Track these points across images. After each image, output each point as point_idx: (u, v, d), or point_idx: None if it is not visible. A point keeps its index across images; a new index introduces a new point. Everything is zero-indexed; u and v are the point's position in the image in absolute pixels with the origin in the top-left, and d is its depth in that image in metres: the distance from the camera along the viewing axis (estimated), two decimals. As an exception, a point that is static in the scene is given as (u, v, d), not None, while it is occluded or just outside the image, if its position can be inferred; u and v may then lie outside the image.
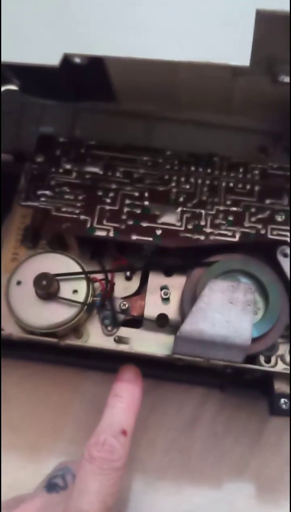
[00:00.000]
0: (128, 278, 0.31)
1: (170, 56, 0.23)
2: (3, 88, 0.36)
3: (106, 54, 0.23)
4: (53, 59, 0.23)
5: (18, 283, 0.29)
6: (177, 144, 0.33)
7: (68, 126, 0.36)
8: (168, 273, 0.31)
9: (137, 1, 0.23)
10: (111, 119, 0.36)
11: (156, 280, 0.30)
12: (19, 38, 0.24)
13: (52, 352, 0.30)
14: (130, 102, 0.35)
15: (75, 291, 0.29)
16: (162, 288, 0.30)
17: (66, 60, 0.25)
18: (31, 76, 0.34)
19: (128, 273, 0.31)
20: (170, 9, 0.22)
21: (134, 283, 0.31)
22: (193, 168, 0.31)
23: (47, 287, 0.28)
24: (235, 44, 0.22)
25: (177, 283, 0.30)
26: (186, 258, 0.30)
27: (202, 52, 0.22)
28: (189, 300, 0.28)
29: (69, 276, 0.29)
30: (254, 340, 0.27)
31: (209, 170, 0.31)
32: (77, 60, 0.28)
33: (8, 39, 0.24)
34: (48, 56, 0.23)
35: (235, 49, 0.22)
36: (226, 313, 0.26)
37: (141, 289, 0.31)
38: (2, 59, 0.23)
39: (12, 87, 0.36)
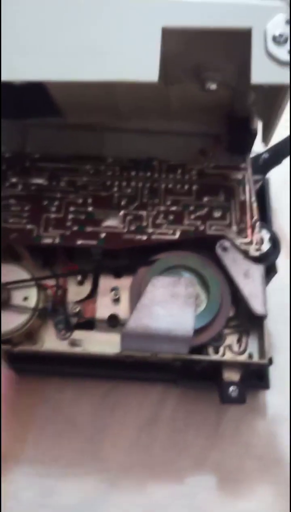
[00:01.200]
0: (80, 283, 0.32)
1: (84, 76, 0.24)
2: None
3: (19, 78, 0.24)
4: None
5: None
6: (126, 152, 0.34)
7: (19, 142, 0.37)
8: (118, 274, 0.32)
9: (49, 24, 0.24)
10: (61, 133, 0.37)
11: (106, 282, 0.31)
12: None
13: (12, 360, 0.31)
14: (76, 115, 0.36)
15: (25, 298, 0.30)
16: (112, 290, 0.31)
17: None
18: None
19: (80, 278, 0.32)
20: (83, 32, 0.23)
21: (87, 288, 0.32)
22: (133, 173, 0.32)
23: (-4, 296, 0.29)
24: (143, 61, 0.23)
25: (127, 284, 0.31)
26: (134, 259, 0.31)
27: (114, 71, 0.23)
28: (136, 298, 0.29)
29: (18, 283, 0.30)
30: (198, 331, 0.28)
31: (148, 174, 0.32)
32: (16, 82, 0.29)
33: None
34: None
35: (143, 66, 0.23)
36: (169, 307, 0.27)
37: (94, 293, 0.32)
38: None
39: None
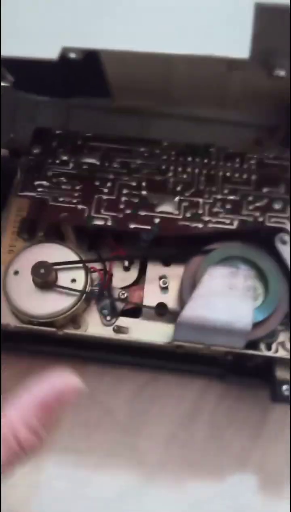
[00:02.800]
0: (126, 269, 0.31)
1: (169, 49, 0.23)
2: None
3: (105, 47, 0.23)
4: (51, 53, 0.23)
5: (16, 273, 0.28)
6: (173, 139, 0.33)
7: (63, 122, 0.36)
8: (166, 262, 0.30)
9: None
10: (106, 115, 0.36)
11: (154, 270, 0.30)
12: (15, 32, 0.24)
13: (51, 344, 0.30)
14: (125, 98, 0.35)
15: (73, 280, 0.28)
16: (160, 278, 0.30)
17: (61, 55, 0.25)
18: (24, 72, 0.34)
19: (126, 264, 0.31)
20: (169, 2, 0.22)
21: (133, 274, 0.31)
22: (189, 159, 0.31)
23: (45, 276, 0.27)
24: (234, 36, 0.22)
25: (175, 273, 0.30)
26: (184, 247, 0.30)
27: (201, 45, 0.22)
28: (188, 288, 0.28)
29: (67, 265, 0.28)
30: (255, 325, 0.27)
31: (205, 161, 0.31)
32: (73, 55, 0.28)
33: (5, 33, 0.24)
34: (46, 49, 0.23)
35: (234, 41, 0.22)
36: (226, 298, 0.26)
37: (140, 279, 0.31)
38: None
39: (5, 83, 0.36)
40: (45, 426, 0.18)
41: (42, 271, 0.27)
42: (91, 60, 0.30)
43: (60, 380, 0.19)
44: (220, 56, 0.21)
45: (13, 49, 0.24)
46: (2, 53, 0.23)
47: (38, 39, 0.24)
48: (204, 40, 0.22)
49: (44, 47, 0.24)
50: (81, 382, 0.19)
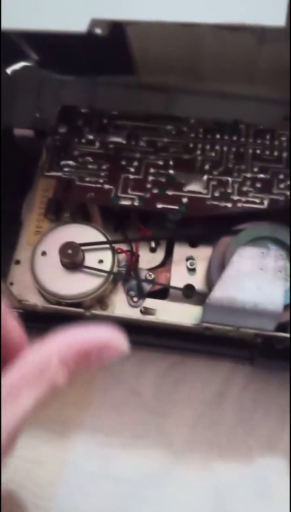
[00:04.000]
0: (153, 250, 0.30)
1: (200, 19, 0.22)
2: (20, 64, 0.36)
3: (133, 18, 0.23)
4: (80, 25, 0.23)
5: (43, 253, 0.28)
6: (201, 116, 0.33)
7: (88, 101, 0.36)
8: (193, 243, 0.30)
9: None
10: (132, 93, 0.35)
11: (181, 251, 0.30)
12: (41, 6, 0.23)
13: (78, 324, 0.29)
14: (151, 75, 0.34)
15: (100, 261, 0.28)
16: (187, 259, 0.29)
17: (87, 32, 0.25)
18: (49, 51, 0.34)
19: (153, 245, 0.30)
20: None
21: (159, 255, 0.30)
22: (218, 136, 0.30)
23: (72, 256, 0.27)
24: (269, 3, 0.21)
25: (202, 254, 0.29)
26: (211, 228, 0.30)
27: (234, 13, 0.21)
28: (217, 268, 0.28)
29: (95, 245, 0.28)
30: (286, 307, 0.26)
31: (234, 138, 0.30)
32: (98, 31, 0.27)
33: (30, 7, 0.23)
34: (75, 22, 0.23)
35: (269, 8, 0.21)
36: (257, 279, 0.25)
37: (167, 261, 0.30)
38: (26, 27, 0.23)
39: (30, 63, 0.36)
40: (76, 373, 0.17)
41: (69, 251, 0.27)
42: (116, 37, 0.29)
43: (108, 334, 0.18)
44: (254, 24, 0.20)
45: (40, 23, 0.23)
46: (29, 28, 0.23)
47: (64, 12, 0.23)
48: (236, 7, 0.21)
49: (71, 20, 0.23)
50: (127, 344, 0.18)
